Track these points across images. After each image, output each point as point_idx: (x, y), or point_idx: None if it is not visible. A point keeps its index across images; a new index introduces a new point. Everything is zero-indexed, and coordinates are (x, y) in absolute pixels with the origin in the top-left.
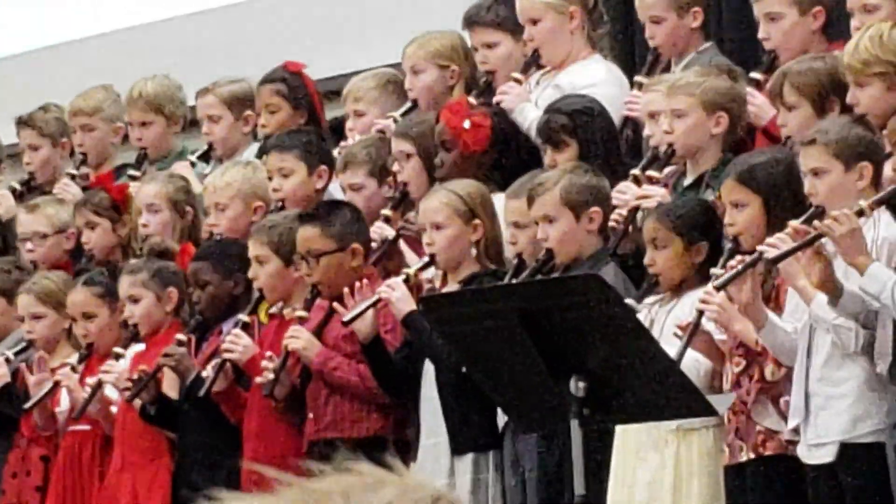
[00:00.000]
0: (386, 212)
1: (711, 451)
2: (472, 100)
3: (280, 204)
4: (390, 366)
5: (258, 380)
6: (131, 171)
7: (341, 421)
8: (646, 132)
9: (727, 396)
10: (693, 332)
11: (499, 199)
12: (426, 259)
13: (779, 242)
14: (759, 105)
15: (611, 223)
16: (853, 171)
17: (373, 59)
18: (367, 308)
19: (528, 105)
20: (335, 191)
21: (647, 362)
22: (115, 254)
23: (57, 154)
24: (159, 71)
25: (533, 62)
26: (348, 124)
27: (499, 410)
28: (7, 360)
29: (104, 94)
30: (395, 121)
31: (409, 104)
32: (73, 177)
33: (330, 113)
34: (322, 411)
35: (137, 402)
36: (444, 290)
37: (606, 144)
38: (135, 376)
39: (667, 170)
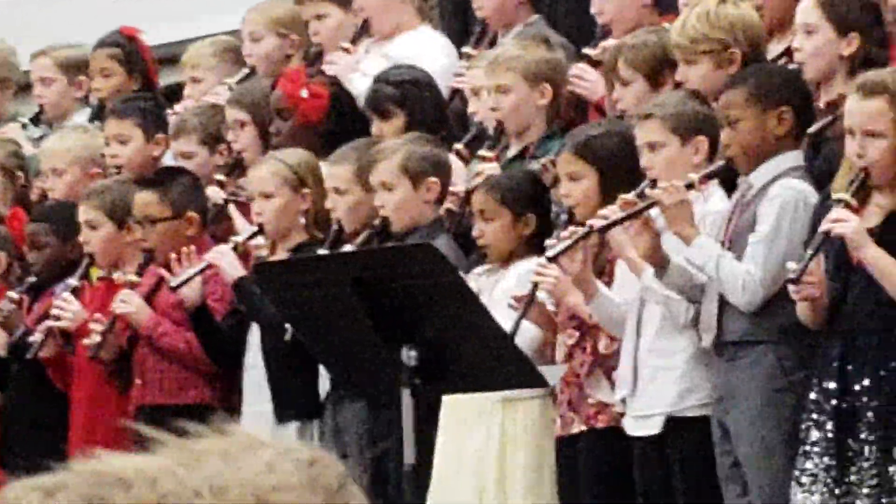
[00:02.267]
0: (219, 177)
1: (538, 421)
2: (308, 69)
3: (117, 171)
4: (217, 333)
5: (85, 341)
6: None
7: (168, 387)
8: (470, 108)
9: (558, 368)
10: (529, 304)
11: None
12: (255, 228)
13: (609, 214)
14: (592, 81)
15: (447, 205)
16: (689, 145)
17: (211, 27)
18: (196, 274)
19: (356, 75)
20: (169, 159)
21: (478, 332)
22: None
23: None
24: None
25: (363, 32)
26: (186, 91)
27: (320, 379)
28: None
29: None
30: (230, 88)
31: (245, 71)
32: None
33: (169, 79)
34: (150, 377)
35: None
36: (274, 258)
37: (434, 116)
38: None
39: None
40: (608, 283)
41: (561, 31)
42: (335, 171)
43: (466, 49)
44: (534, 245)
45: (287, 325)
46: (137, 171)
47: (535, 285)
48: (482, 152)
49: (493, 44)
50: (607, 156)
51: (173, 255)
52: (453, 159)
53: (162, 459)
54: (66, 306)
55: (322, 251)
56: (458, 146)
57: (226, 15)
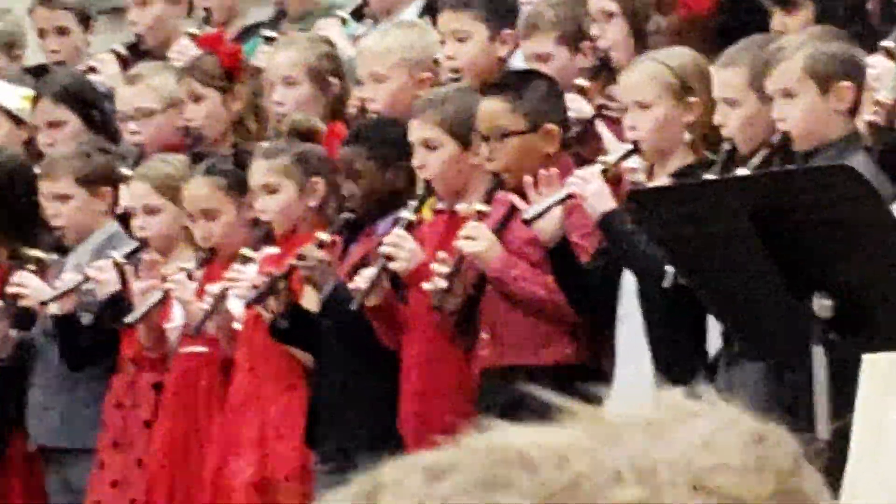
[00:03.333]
0: (581, 82)
1: None
2: None
3: (454, 75)
4: (582, 277)
5: (426, 286)
6: (266, 32)
7: (523, 344)
8: None
9: None
10: None
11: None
12: (629, 146)
13: None
14: None
15: (869, 116)
16: None
17: None
18: (555, 204)
19: None
20: (519, 60)
21: None
22: (225, 133)
23: (173, 10)
24: None
25: None
26: None
27: (709, 335)
28: (116, 265)
29: None
30: None
31: None
32: (193, 37)
33: None
34: (500, 332)
35: (267, 316)
36: (651, 184)
37: (851, 7)
38: (263, 279)
39: None
40: None
41: None
42: (724, 76)
43: None
44: None
45: (668, 269)
46: (479, 77)
47: None
48: None
49: None
50: None
51: (528, 179)
52: (879, 60)
53: (572, 434)
54: (401, 243)
55: (710, 175)
56: (888, 43)
57: None
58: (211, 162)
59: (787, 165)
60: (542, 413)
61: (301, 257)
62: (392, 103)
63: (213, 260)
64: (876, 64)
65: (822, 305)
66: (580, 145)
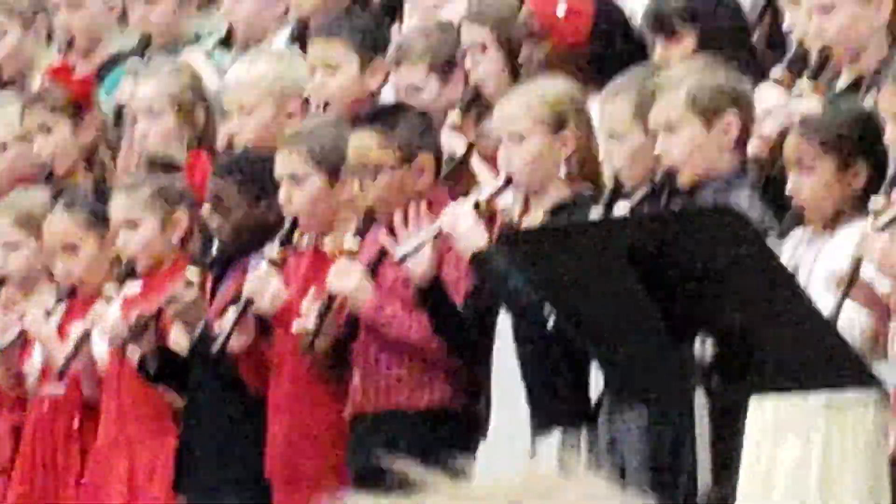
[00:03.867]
0: (454, 118)
1: (872, 434)
2: None
3: (323, 106)
4: (456, 317)
5: (295, 326)
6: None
7: (396, 388)
8: (786, 23)
9: None
10: (850, 283)
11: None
12: (502, 180)
13: None
14: None
15: (752, 148)
16: None
17: None
18: (425, 242)
19: None
20: (389, 92)
21: (793, 318)
22: (75, 164)
23: (30, 39)
24: None
25: None
26: (407, 6)
27: (592, 379)
28: None
29: None
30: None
31: None
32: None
33: None
34: (372, 375)
35: (135, 356)
36: (527, 219)
37: (733, 35)
38: (131, 320)
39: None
40: None
41: None
42: (609, 108)
43: None
44: (866, 203)
45: (548, 311)
46: (349, 108)
47: (859, 259)
48: (801, 85)
49: None
50: None
51: (398, 215)
52: (769, 90)
53: None
54: (264, 282)
55: (595, 211)
56: (777, 71)
57: None
58: (71, 196)
59: (671, 200)
60: (408, 471)
61: (171, 298)
62: (260, 135)
63: (74, 297)
64: (765, 95)
65: (703, 348)
66: (454, 180)
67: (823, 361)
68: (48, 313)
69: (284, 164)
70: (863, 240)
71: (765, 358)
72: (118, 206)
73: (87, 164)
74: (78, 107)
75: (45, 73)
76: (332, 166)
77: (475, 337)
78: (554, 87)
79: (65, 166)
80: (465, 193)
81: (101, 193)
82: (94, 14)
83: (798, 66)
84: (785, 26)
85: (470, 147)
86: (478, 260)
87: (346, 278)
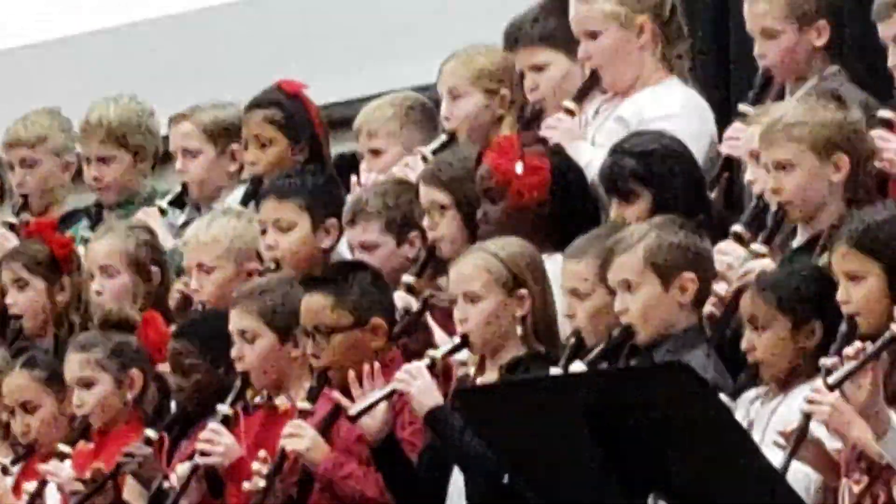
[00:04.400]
0: (408, 278)
1: None
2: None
3: (274, 265)
4: (409, 475)
5: (246, 485)
6: (84, 231)
7: None
8: (747, 176)
9: None
10: (800, 440)
11: (554, 262)
12: (457, 340)
13: None
14: (893, 150)
15: (708, 307)
16: None
17: (391, 81)
18: (380, 400)
19: (581, 144)
20: (344, 251)
21: (747, 477)
22: (46, 325)
23: None
24: (122, 90)
25: (590, 87)
26: (363, 165)
27: None
28: None
29: (50, 120)
30: (425, 159)
31: (443, 138)
32: (10, 226)
33: (337, 148)
34: None
35: None
36: (481, 379)
37: (689, 195)
38: (87, 475)
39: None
40: None
41: (863, 87)
42: (572, 268)
43: (744, 107)
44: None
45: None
46: (301, 267)
47: (808, 416)
48: (755, 247)
49: (779, 99)
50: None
51: (352, 375)
52: (729, 246)
53: None
54: (215, 439)
55: (554, 370)
56: (737, 227)
57: (408, 65)
58: (30, 354)
59: (629, 358)
60: None
61: (128, 454)
62: (219, 294)
63: (31, 455)
64: (726, 250)
65: None
66: (409, 338)
67: None
68: (4, 471)
69: (235, 321)
70: (812, 396)
71: None
72: (72, 365)
73: (57, 324)
74: (56, 266)
75: (20, 231)
76: (283, 325)
77: (427, 493)
78: (510, 246)
79: (35, 325)
80: (421, 351)
81: (62, 353)
82: (49, 173)
83: (757, 222)
84: (745, 179)
85: (425, 304)
86: (432, 417)
87: (300, 438)
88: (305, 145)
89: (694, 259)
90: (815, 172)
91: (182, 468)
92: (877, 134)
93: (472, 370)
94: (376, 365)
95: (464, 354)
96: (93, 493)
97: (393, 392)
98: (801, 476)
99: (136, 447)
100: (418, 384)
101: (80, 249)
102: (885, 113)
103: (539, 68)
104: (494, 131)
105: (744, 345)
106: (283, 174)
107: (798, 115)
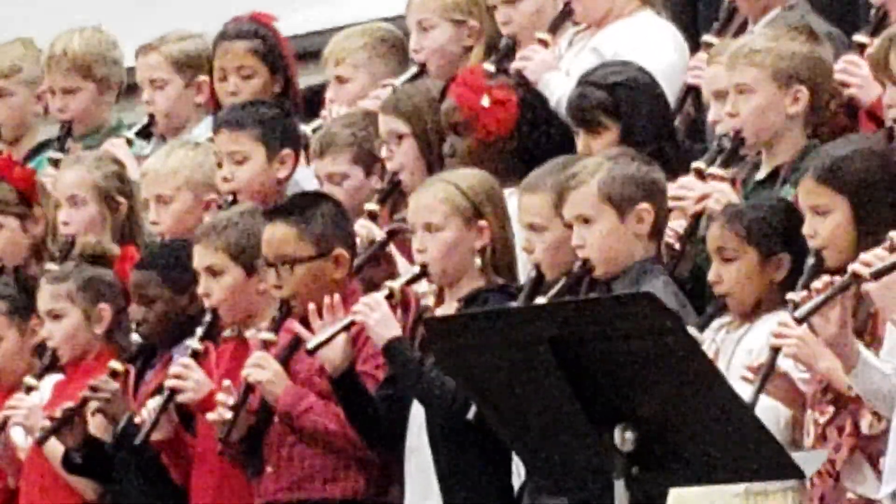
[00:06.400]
0: (371, 206)
1: None
2: (489, 67)
3: (231, 198)
4: (369, 407)
5: (210, 416)
6: (52, 154)
7: (310, 478)
8: (710, 116)
9: (816, 454)
10: (768, 374)
11: (513, 196)
12: (416, 270)
13: (875, 260)
14: (863, 77)
15: (666, 238)
16: None
17: (360, 12)
18: (338, 332)
19: (555, 74)
20: (302, 180)
21: (714, 408)
22: (27, 258)
23: None
24: (87, 22)
25: (564, 18)
26: (328, 94)
27: (513, 468)
28: None
29: (23, 51)
30: (395, 91)
31: (413, 70)
32: None
33: (305, 81)
34: (286, 465)
35: (59, 448)
36: (440, 310)
37: (657, 127)
38: (56, 413)
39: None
40: (870, 345)
41: (827, 17)
42: (528, 201)
43: (708, 37)
44: (786, 294)
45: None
46: (257, 199)
47: (776, 350)
48: (712, 169)
49: (742, 31)
50: (862, 182)
51: (312, 307)
52: (690, 181)
53: None
54: (186, 374)
55: (515, 302)
56: (699, 164)
57: None
58: None
59: (589, 290)
60: None
61: (94, 388)
62: (177, 225)
63: None
64: (688, 185)
65: (623, 438)
66: (372, 269)
67: (744, 452)
68: None
69: (201, 257)
70: (780, 330)
71: (685, 448)
72: (44, 297)
73: (36, 256)
74: (25, 201)
75: None
76: (248, 259)
77: (388, 427)
78: (470, 177)
79: (15, 261)
80: (384, 280)
81: (25, 284)
82: (21, 103)
83: (719, 158)
84: (709, 119)
85: (390, 235)
86: (390, 348)
87: (262, 369)
88: (281, 77)
89: (649, 190)
90: (771, 100)
91: (153, 402)
92: (847, 59)
93: (431, 301)
94: (336, 297)
95: (423, 286)
96: (57, 429)
97: (351, 324)
98: (770, 410)
99: (103, 381)
100: (376, 315)
101: (50, 171)
102: (859, 37)
103: (511, 2)
104: (463, 63)
105: (710, 276)
106: (235, 106)
107: (763, 42)
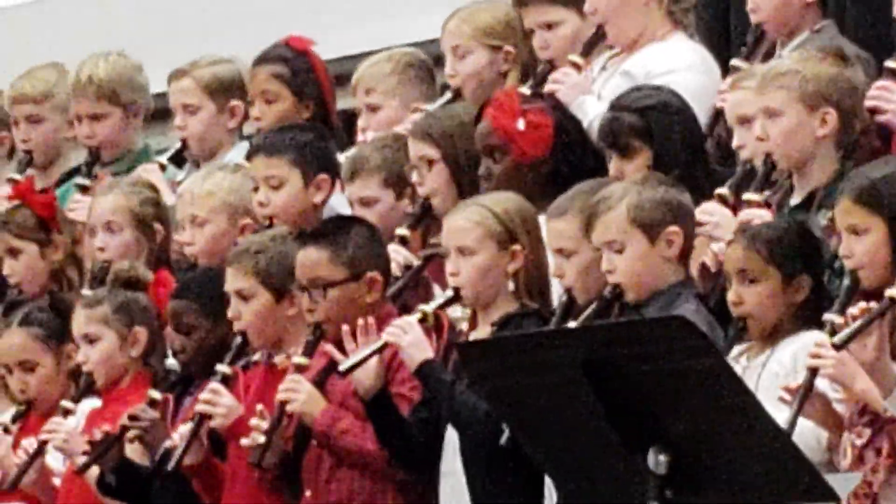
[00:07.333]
0: (402, 231)
1: None
2: (524, 90)
3: (267, 222)
4: (403, 429)
5: (244, 442)
6: (79, 180)
7: (348, 500)
8: (735, 142)
9: (851, 476)
10: (806, 395)
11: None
12: (449, 293)
13: None
14: (893, 106)
15: (703, 258)
16: None
17: (391, 37)
18: (371, 355)
19: (588, 98)
20: (338, 205)
21: (747, 430)
22: (45, 285)
23: None
24: (114, 47)
25: (597, 41)
26: (360, 123)
27: (545, 491)
28: None
29: (56, 76)
30: (426, 115)
31: (448, 95)
32: (16, 183)
33: (339, 104)
34: (324, 488)
35: (95, 469)
36: (474, 334)
37: (689, 151)
38: (97, 436)
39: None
40: None
41: (858, 42)
42: (556, 226)
43: (736, 62)
44: (807, 317)
45: (503, 426)
46: (293, 223)
47: (813, 372)
48: (748, 195)
49: (770, 55)
50: None
51: (346, 329)
52: (715, 207)
53: None
54: (216, 399)
55: (545, 327)
56: (722, 190)
57: (408, 19)
58: (26, 311)
59: (621, 315)
60: None
61: (133, 417)
62: (211, 248)
63: (29, 413)
64: (712, 211)
65: (657, 461)
66: (407, 294)
67: (778, 474)
68: (6, 430)
69: (231, 280)
70: (817, 351)
71: (718, 470)
72: (79, 321)
73: (55, 282)
74: (45, 228)
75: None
76: (278, 283)
77: (422, 450)
78: (504, 201)
79: (34, 288)
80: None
81: (59, 308)
82: (53, 129)
83: (744, 184)
84: (734, 145)
85: (426, 260)
86: (422, 370)
87: (296, 393)
88: (311, 102)
89: (677, 212)
90: (800, 122)
91: (184, 428)
92: (879, 85)
93: (464, 325)
94: (370, 319)
95: (457, 311)
96: (98, 457)
97: (384, 346)
98: (810, 431)
99: (141, 409)
100: (409, 338)
101: (78, 196)
102: (892, 63)
103: (550, 26)
104: (499, 88)
105: (731, 297)
106: (273, 130)
107: (791, 64)
